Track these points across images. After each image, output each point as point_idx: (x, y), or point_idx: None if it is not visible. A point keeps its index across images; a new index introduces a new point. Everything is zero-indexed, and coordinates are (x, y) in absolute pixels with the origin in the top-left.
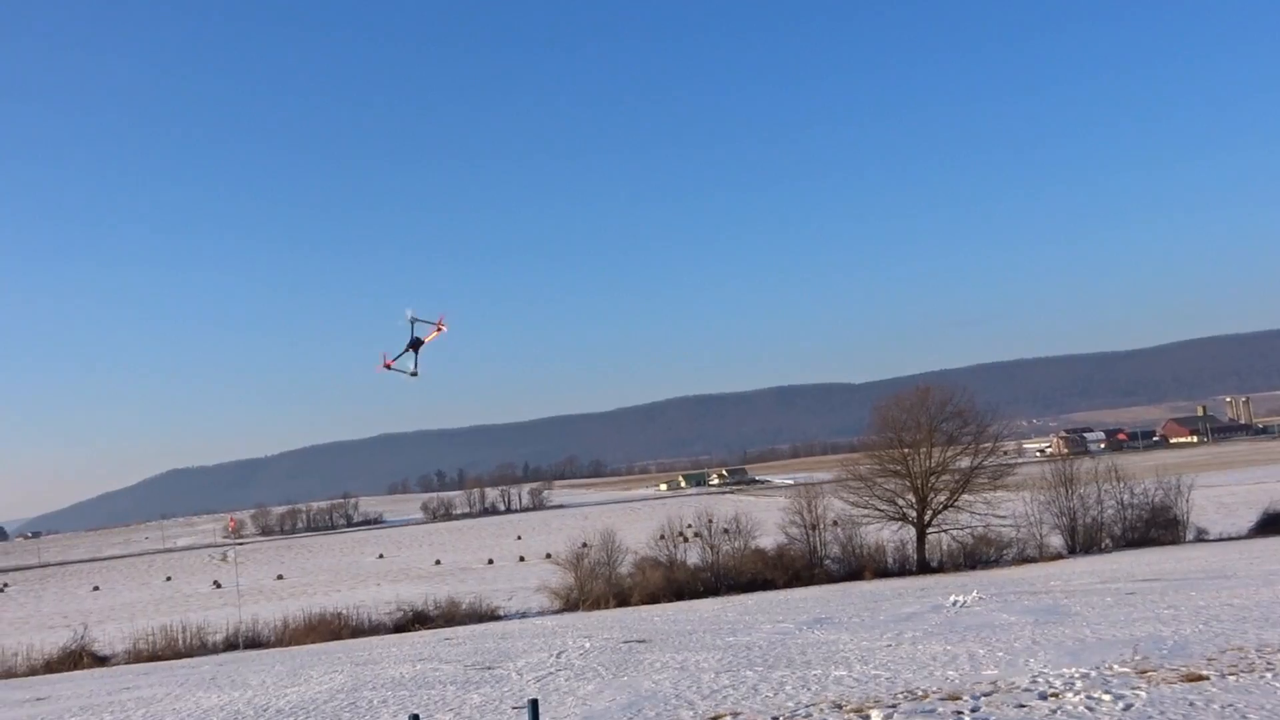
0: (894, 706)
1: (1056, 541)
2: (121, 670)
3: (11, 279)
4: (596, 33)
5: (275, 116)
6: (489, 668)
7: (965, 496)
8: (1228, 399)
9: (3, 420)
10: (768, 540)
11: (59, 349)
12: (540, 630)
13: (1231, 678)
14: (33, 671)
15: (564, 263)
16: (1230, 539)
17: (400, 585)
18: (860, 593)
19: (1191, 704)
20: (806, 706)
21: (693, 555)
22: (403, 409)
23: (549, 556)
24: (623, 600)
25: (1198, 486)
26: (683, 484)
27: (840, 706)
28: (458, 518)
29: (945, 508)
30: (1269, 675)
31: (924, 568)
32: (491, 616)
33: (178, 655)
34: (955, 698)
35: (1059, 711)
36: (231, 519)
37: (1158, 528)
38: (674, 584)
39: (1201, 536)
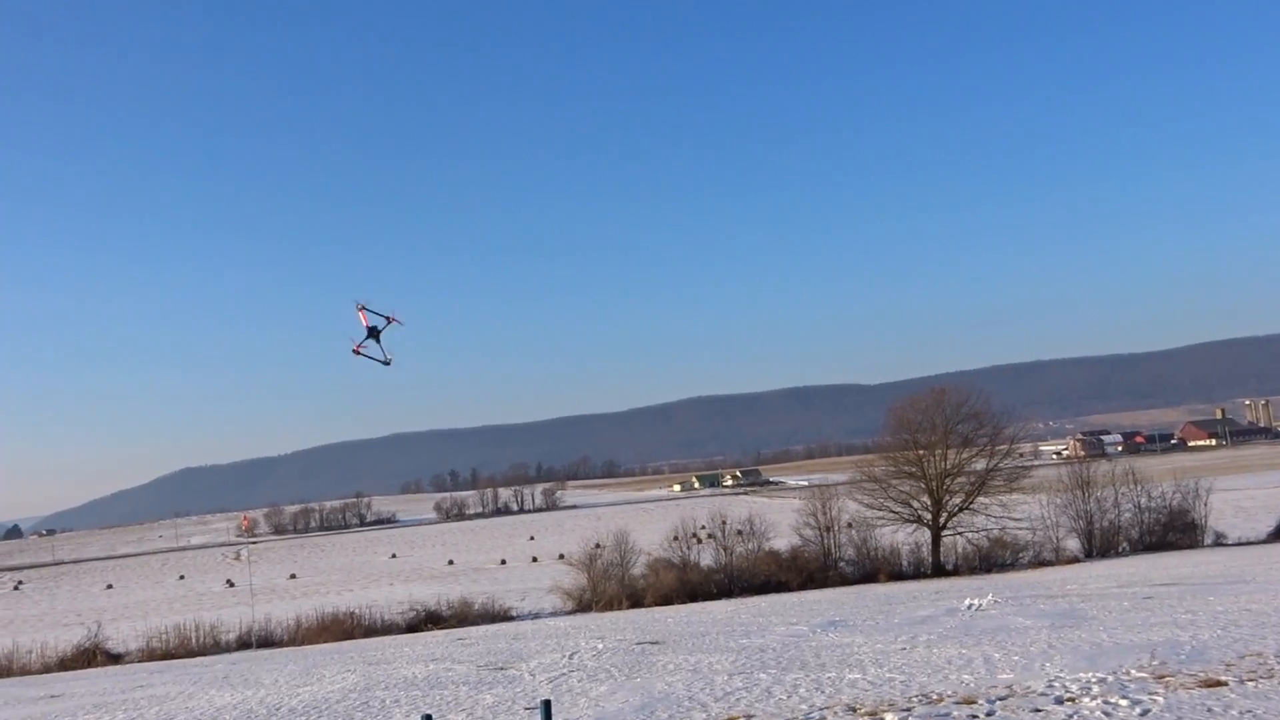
0: (908, 710)
1: (1073, 545)
2: (135, 668)
3: (22, 278)
4: (616, 30)
5: (283, 115)
6: (502, 668)
7: (981, 499)
8: (1247, 402)
9: (17, 418)
10: (782, 542)
11: (72, 347)
12: (553, 631)
13: (1250, 684)
14: (47, 669)
15: (577, 262)
16: (1249, 543)
17: (413, 585)
18: (875, 595)
19: (1210, 710)
20: (820, 709)
21: (706, 557)
22: (415, 408)
23: (562, 557)
24: (636, 601)
25: (1216, 490)
26: (696, 485)
27: (854, 710)
28: (470, 518)
29: (960, 510)
30: None
31: (939, 570)
32: (504, 617)
33: (191, 654)
34: (970, 701)
35: (1075, 716)
36: (245, 518)
37: (1175, 531)
38: (687, 585)
39: (1220, 541)
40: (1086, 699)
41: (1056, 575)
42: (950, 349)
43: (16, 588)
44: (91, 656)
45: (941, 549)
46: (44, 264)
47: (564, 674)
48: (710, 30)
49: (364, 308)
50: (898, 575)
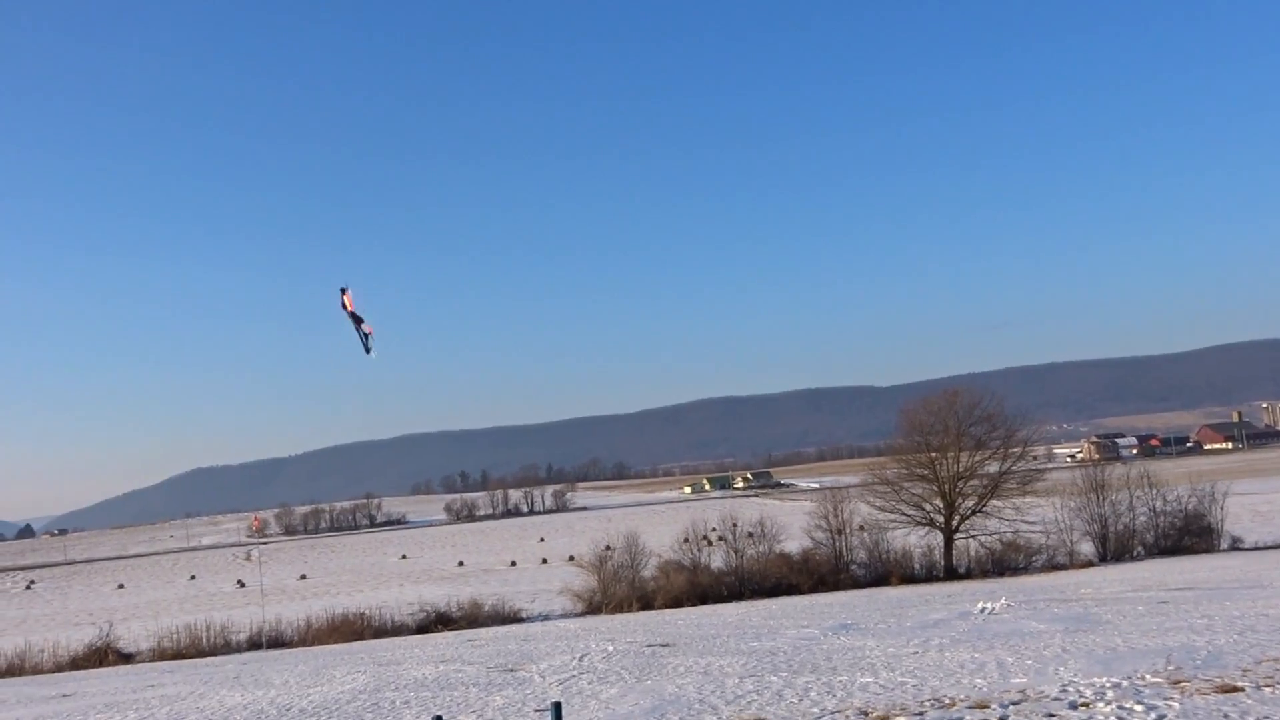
0: (920, 714)
1: (1087, 548)
2: (146, 668)
3: (33, 278)
4: (628, 29)
5: (293, 116)
6: (511, 670)
7: (994, 502)
8: (1264, 405)
9: (30, 419)
10: (793, 544)
11: (84, 348)
12: (563, 633)
13: (1267, 689)
14: (59, 668)
15: (589, 262)
16: (1266, 548)
17: (423, 586)
18: (886, 598)
19: (1226, 716)
20: (832, 713)
21: (717, 559)
22: (426, 409)
23: (572, 559)
24: (646, 603)
25: (1232, 494)
26: (707, 487)
27: (866, 713)
28: (480, 519)
29: (973, 513)
30: None
31: (951, 574)
32: (514, 618)
33: (201, 654)
34: (983, 706)
35: None
36: (255, 518)
37: (1191, 535)
38: (698, 588)
39: (1237, 545)
40: (1101, 704)
41: (1070, 579)
42: (963, 351)
43: (29, 587)
44: (103, 656)
45: (954, 552)
46: (55, 264)
47: (574, 676)
48: (729, 29)
49: (346, 290)
50: (910, 578)
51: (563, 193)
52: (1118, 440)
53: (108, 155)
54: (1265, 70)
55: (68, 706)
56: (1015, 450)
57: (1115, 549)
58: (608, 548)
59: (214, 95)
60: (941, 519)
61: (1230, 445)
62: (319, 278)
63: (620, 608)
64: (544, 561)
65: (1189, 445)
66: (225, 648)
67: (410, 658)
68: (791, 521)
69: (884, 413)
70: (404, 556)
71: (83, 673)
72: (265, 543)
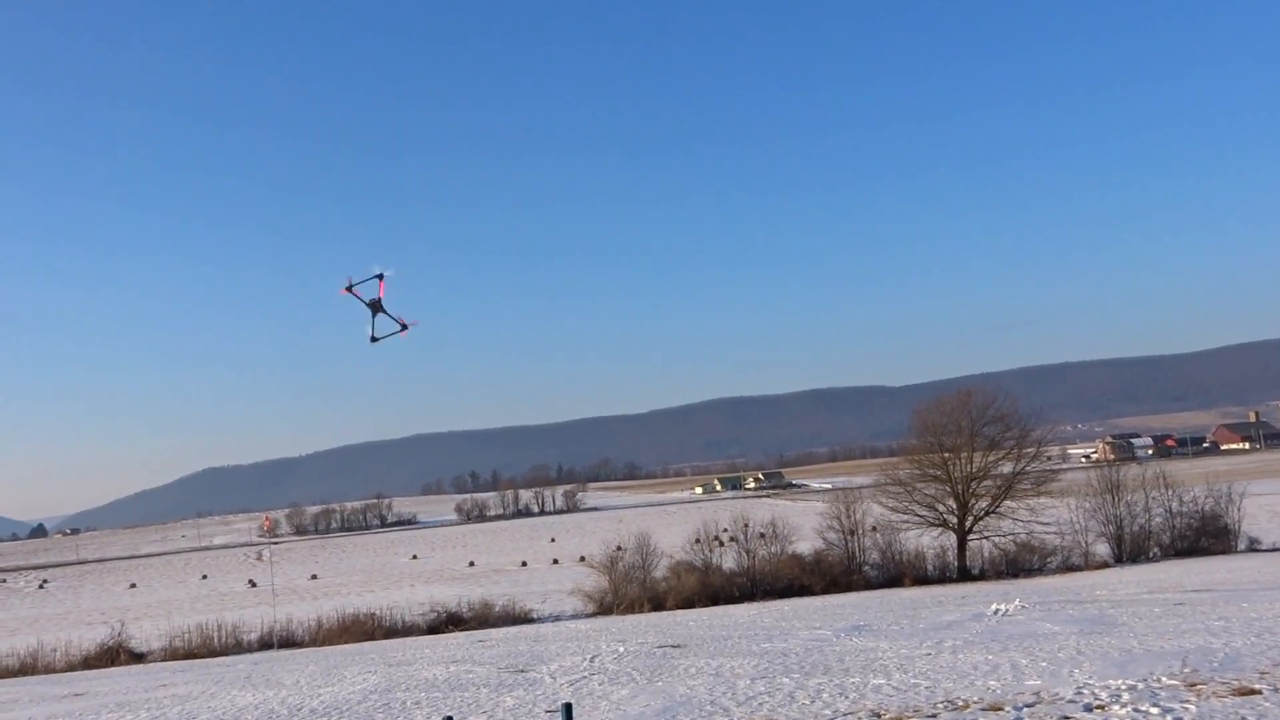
0: (934, 716)
1: (1102, 550)
2: (158, 667)
3: (45, 278)
4: (635, 30)
5: (305, 117)
6: (522, 670)
7: (1008, 503)
8: None
9: (43, 419)
10: (805, 545)
11: (96, 348)
12: (574, 633)
13: None
14: (71, 667)
15: (600, 263)
16: None
17: (434, 586)
18: (899, 600)
19: (1243, 719)
20: (844, 715)
21: (728, 560)
22: (437, 409)
23: (583, 559)
24: (657, 604)
25: (1249, 494)
26: (718, 487)
27: (879, 715)
28: (491, 519)
29: (987, 514)
30: None
31: (965, 575)
32: (525, 619)
33: (213, 653)
34: (997, 708)
35: None
36: (266, 518)
37: (1208, 537)
38: (709, 589)
39: (1254, 546)
40: (1116, 707)
41: (1085, 581)
42: (977, 350)
43: (41, 586)
44: (115, 655)
45: (967, 553)
46: (67, 264)
47: (585, 677)
48: (742, 28)
49: (350, 287)
50: (923, 580)
51: (574, 193)
52: (1133, 440)
53: (118, 153)
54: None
55: (80, 706)
56: (1029, 451)
57: (1131, 550)
58: (619, 548)
59: (231, 95)
60: (955, 520)
61: (1247, 445)
62: (330, 277)
63: (631, 608)
64: (555, 562)
65: (1205, 445)
66: (236, 648)
67: (421, 658)
68: (803, 522)
69: (897, 413)
70: (415, 557)
71: (95, 672)
72: (276, 543)
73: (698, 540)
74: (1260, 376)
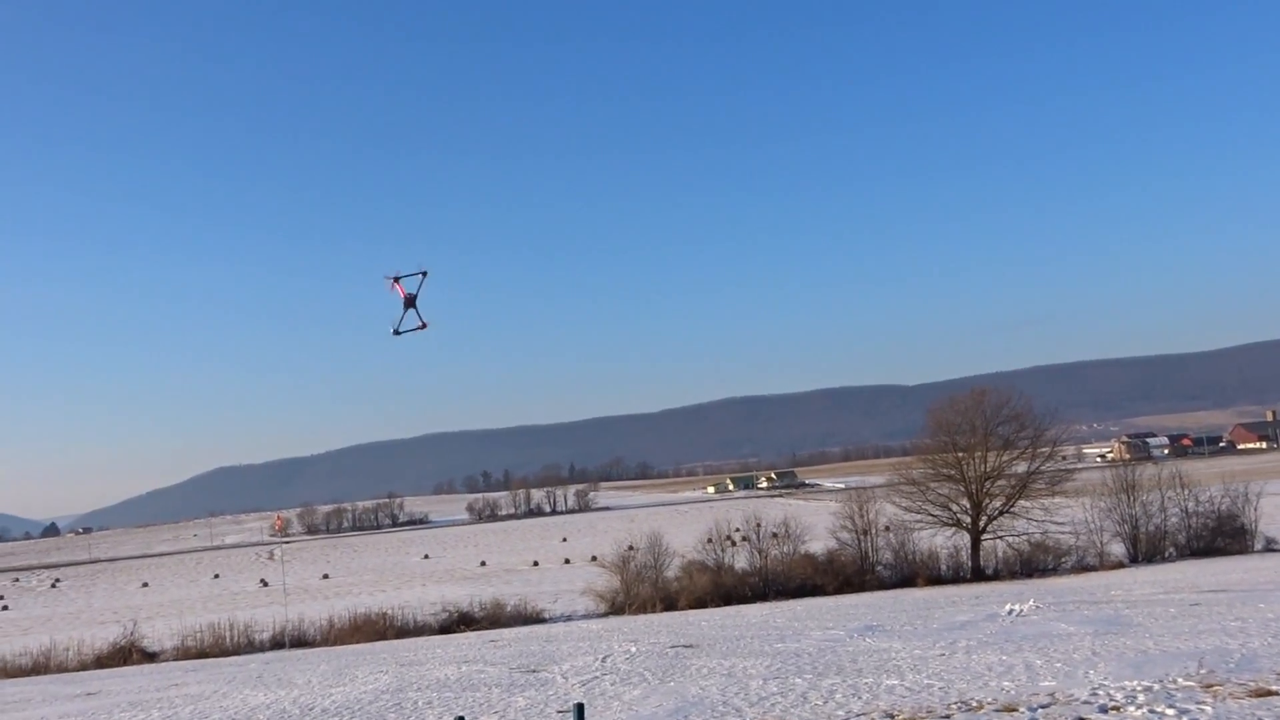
0: (947, 717)
1: (1118, 550)
2: (170, 667)
3: (58, 278)
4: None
5: (318, 115)
6: (534, 671)
7: (1022, 502)
8: None
9: (55, 419)
10: (818, 545)
11: (108, 348)
12: (585, 633)
13: None
14: (83, 666)
15: (612, 262)
16: None
17: (445, 586)
18: (913, 600)
19: None
20: (857, 716)
21: (741, 559)
22: (448, 409)
23: (594, 559)
24: (669, 604)
25: (1266, 494)
26: (731, 487)
27: (892, 716)
28: (503, 519)
29: (1001, 514)
30: None
31: (979, 575)
32: (536, 619)
33: (225, 653)
34: (1011, 709)
35: None
36: (278, 517)
37: (1224, 537)
38: (721, 588)
39: (1271, 546)
40: (1131, 708)
41: (1100, 581)
42: (991, 349)
43: (54, 585)
44: (127, 654)
45: (981, 553)
46: (79, 264)
47: (596, 677)
48: (758, 26)
49: (397, 278)
50: (936, 580)
51: (586, 192)
52: (1149, 440)
53: (131, 152)
54: None
55: (92, 705)
56: (1044, 450)
57: (1146, 550)
58: (631, 548)
59: (244, 95)
60: (968, 520)
61: (1264, 445)
62: (342, 277)
63: (643, 608)
64: (566, 562)
65: (1222, 445)
66: (248, 647)
67: (432, 658)
68: (816, 522)
69: (910, 412)
70: (426, 556)
71: (107, 671)
72: (288, 542)
73: (710, 540)
74: (1277, 375)
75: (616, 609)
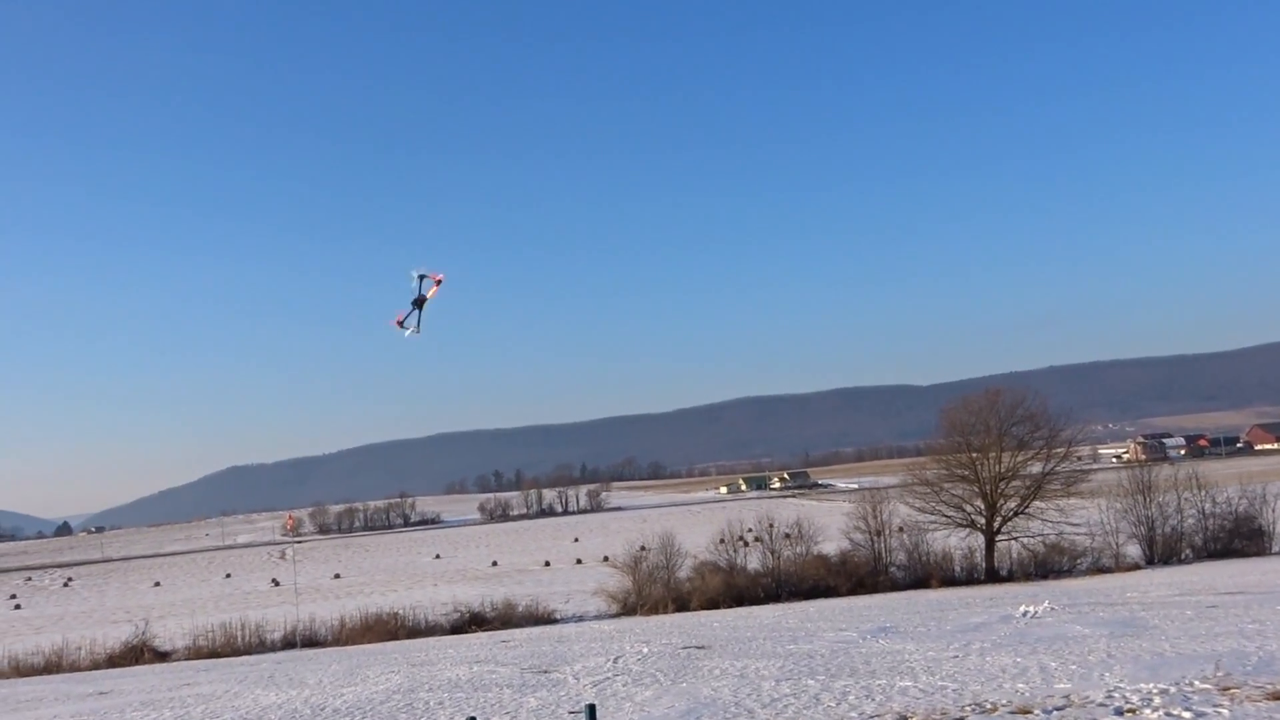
0: (961, 719)
1: (1133, 551)
2: (182, 666)
3: (69, 278)
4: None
5: (328, 114)
6: (545, 671)
7: (1037, 503)
8: None
9: (68, 418)
10: (830, 546)
11: (121, 347)
12: (597, 634)
13: None
14: (95, 665)
15: (626, 261)
16: None
17: (457, 586)
18: (926, 601)
19: None
20: (871, 717)
21: (753, 560)
22: (461, 408)
23: (606, 559)
24: (681, 605)
25: None
26: (743, 487)
27: (906, 718)
28: (515, 519)
29: (1015, 514)
30: None
31: (993, 576)
32: (548, 619)
33: (236, 652)
34: (1026, 711)
35: None
36: (290, 517)
37: (1241, 538)
38: (734, 589)
39: None
40: (1148, 711)
41: (1116, 582)
42: (1006, 349)
43: (66, 584)
44: (139, 654)
45: (995, 554)
46: (90, 262)
47: (608, 678)
48: (773, 24)
49: (422, 277)
50: (950, 581)
51: (598, 192)
52: (1165, 440)
53: (142, 151)
54: None
55: (104, 704)
56: (1059, 451)
57: (1162, 552)
58: (643, 548)
59: (259, 94)
60: (983, 520)
61: None
62: (353, 276)
63: (655, 609)
64: (578, 562)
65: (1239, 445)
66: (260, 646)
67: (444, 658)
68: (829, 522)
69: (924, 412)
70: (438, 556)
71: (119, 670)
72: (300, 541)
73: (722, 540)
74: None
75: (628, 610)
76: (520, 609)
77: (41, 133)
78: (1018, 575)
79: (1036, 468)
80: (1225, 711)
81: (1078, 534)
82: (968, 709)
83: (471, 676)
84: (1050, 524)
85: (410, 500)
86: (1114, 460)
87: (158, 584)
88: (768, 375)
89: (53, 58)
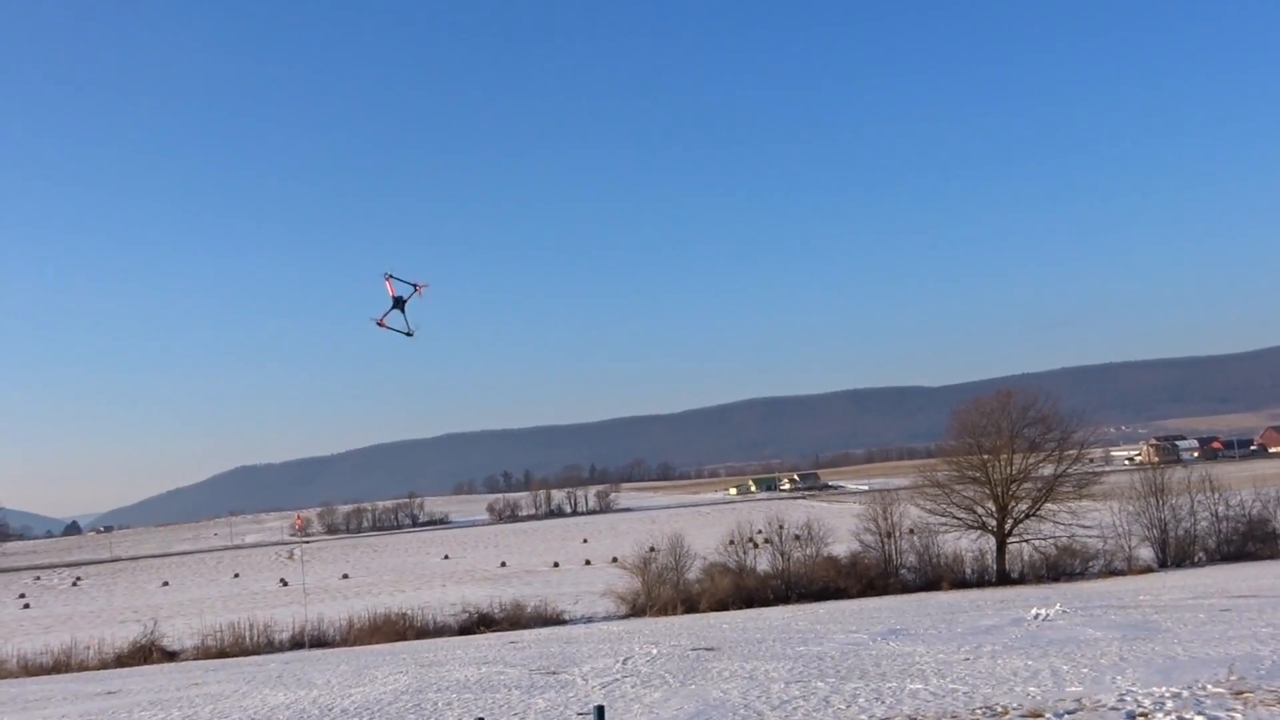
0: None
1: (1146, 554)
2: (190, 666)
3: (79, 278)
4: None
5: (337, 112)
6: (554, 672)
7: (1048, 505)
8: None
9: (77, 417)
10: (841, 548)
11: (130, 347)
12: (606, 635)
13: None
14: (104, 665)
15: (635, 261)
16: None
17: (465, 587)
18: (937, 603)
19: None
20: None
21: (763, 562)
22: (469, 409)
23: (615, 560)
24: (690, 606)
25: None
26: (753, 488)
27: None
28: (523, 519)
29: (1027, 517)
30: None
31: (1004, 579)
32: (556, 620)
33: (245, 652)
34: (1037, 715)
35: None
36: (299, 517)
37: (1255, 541)
38: (743, 591)
39: None
40: (1160, 715)
41: (1128, 585)
42: (1018, 351)
43: (75, 584)
44: (148, 653)
45: (1007, 557)
46: (99, 262)
47: (617, 679)
48: (786, 23)
49: (391, 276)
50: (961, 583)
51: (607, 191)
52: (1178, 443)
53: (148, 151)
54: None
55: (113, 704)
56: (1071, 453)
57: (1175, 554)
58: (652, 549)
59: (265, 93)
60: (994, 523)
61: None
62: (363, 276)
63: (664, 610)
64: (587, 563)
65: (1253, 448)
66: (268, 647)
67: (452, 659)
68: (839, 524)
69: (935, 414)
70: (446, 557)
71: (128, 670)
72: (308, 542)
73: (732, 542)
74: None
75: (637, 611)
76: (529, 610)
77: (55, 132)
78: (1029, 578)
79: (1048, 470)
80: (1238, 716)
81: (1090, 536)
82: (979, 712)
83: (480, 678)
84: (1062, 526)
85: (419, 501)
86: (1126, 462)
87: (166, 584)
88: (777, 376)
89: (55, 56)
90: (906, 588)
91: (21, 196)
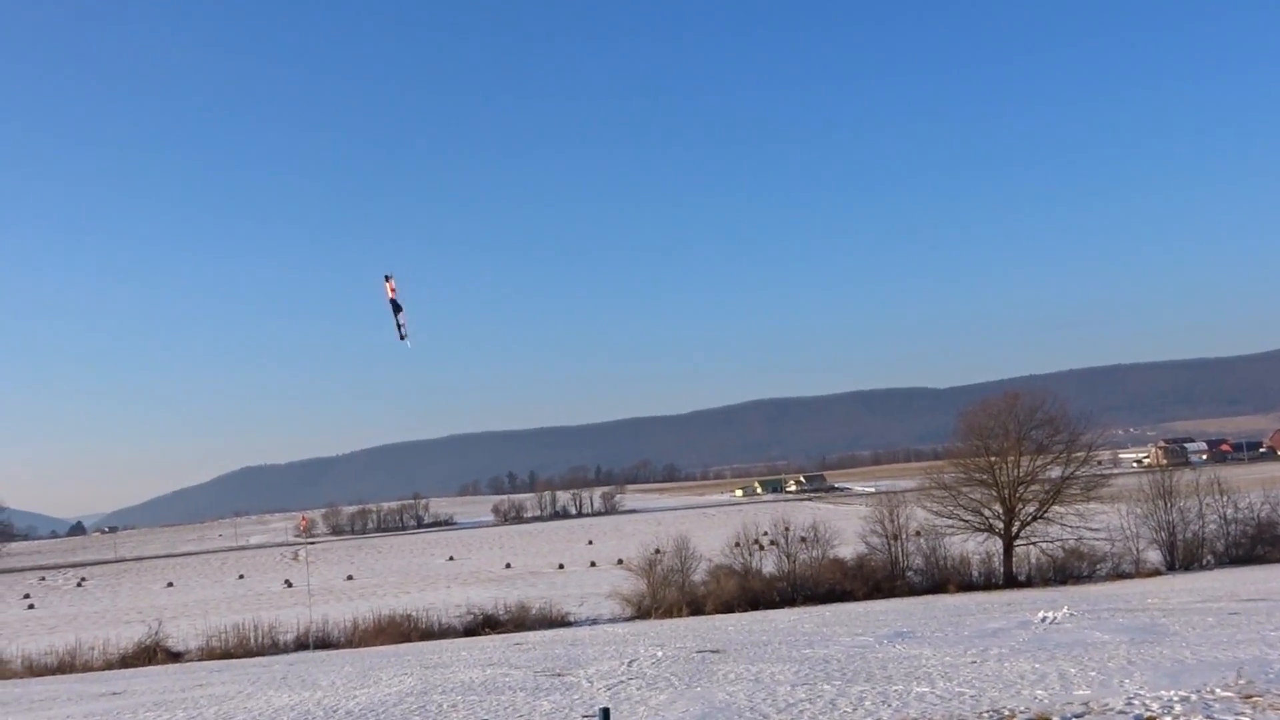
0: None
1: (1154, 557)
2: (195, 667)
3: (83, 278)
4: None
5: (340, 112)
6: (559, 675)
7: (1056, 508)
8: None
9: (81, 417)
10: (847, 550)
11: (135, 346)
12: (611, 637)
13: None
14: (108, 666)
15: (640, 261)
16: None
17: (470, 588)
18: (944, 606)
19: None
20: None
21: (769, 564)
22: (474, 409)
23: (621, 562)
24: (696, 609)
25: None
26: (759, 490)
27: None
28: (528, 521)
29: (1034, 519)
30: None
31: (1011, 581)
32: (562, 622)
33: (249, 653)
34: (1044, 718)
35: None
36: (303, 518)
37: (1264, 544)
38: (749, 593)
39: None
40: (1168, 718)
41: (1136, 588)
42: (1026, 352)
43: (80, 584)
44: (152, 654)
45: (1014, 559)
46: (102, 261)
47: (622, 682)
48: (789, 23)
49: (391, 277)
50: (968, 586)
51: (612, 191)
52: (1187, 445)
53: (151, 148)
54: None
55: (117, 704)
56: (1079, 455)
57: (1184, 558)
58: (657, 551)
59: (265, 92)
60: (1001, 525)
61: None
62: (367, 276)
63: (670, 612)
64: (592, 564)
65: (1262, 450)
66: (273, 648)
67: (457, 660)
68: (846, 526)
69: (941, 415)
70: (451, 558)
71: (132, 671)
72: (313, 543)
73: (737, 543)
74: None
75: (643, 613)
76: (534, 611)
77: (64, 132)
78: (1036, 580)
79: (1056, 472)
80: (1247, 719)
81: (1097, 539)
82: (985, 715)
83: (485, 679)
84: (1070, 529)
85: (424, 501)
86: (1135, 465)
87: (171, 584)
88: (783, 377)
89: (55, 56)
90: (913, 590)
91: (22, 196)
